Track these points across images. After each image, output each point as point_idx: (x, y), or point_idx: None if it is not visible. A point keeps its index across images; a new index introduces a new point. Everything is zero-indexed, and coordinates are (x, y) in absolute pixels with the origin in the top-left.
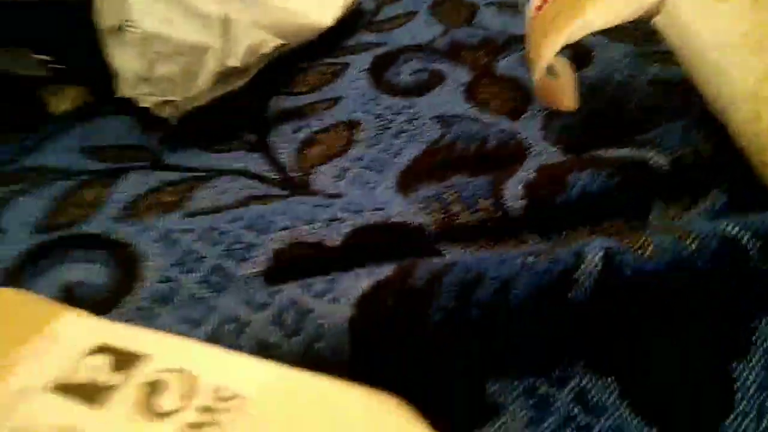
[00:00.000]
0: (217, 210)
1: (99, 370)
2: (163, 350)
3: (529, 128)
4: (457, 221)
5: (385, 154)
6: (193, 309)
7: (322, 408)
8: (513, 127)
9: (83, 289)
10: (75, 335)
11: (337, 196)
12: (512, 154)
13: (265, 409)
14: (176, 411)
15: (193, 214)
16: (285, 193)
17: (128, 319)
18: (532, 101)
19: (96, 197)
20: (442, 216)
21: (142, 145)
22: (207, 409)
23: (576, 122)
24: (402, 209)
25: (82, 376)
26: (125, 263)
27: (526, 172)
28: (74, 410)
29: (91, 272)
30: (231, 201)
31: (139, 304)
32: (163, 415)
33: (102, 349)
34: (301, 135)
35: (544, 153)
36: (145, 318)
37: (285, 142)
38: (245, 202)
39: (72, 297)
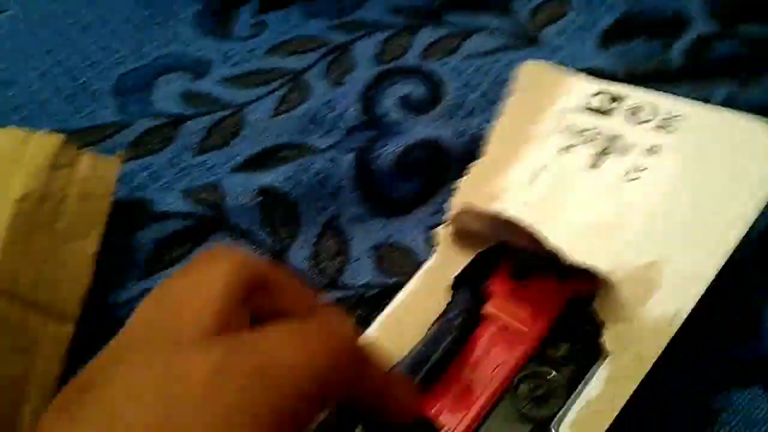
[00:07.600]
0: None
1: (602, 101)
2: (635, 93)
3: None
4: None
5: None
6: None
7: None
8: None
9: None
10: (581, 85)
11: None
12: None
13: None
14: (649, 121)
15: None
16: None
17: None
18: None
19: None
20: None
21: None
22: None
23: None
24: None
25: (593, 106)
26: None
27: None
28: (594, 117)
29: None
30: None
31: None
32: (643, 122)
33: (600, 92)
34: None
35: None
36: None
37: None
38: None
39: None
